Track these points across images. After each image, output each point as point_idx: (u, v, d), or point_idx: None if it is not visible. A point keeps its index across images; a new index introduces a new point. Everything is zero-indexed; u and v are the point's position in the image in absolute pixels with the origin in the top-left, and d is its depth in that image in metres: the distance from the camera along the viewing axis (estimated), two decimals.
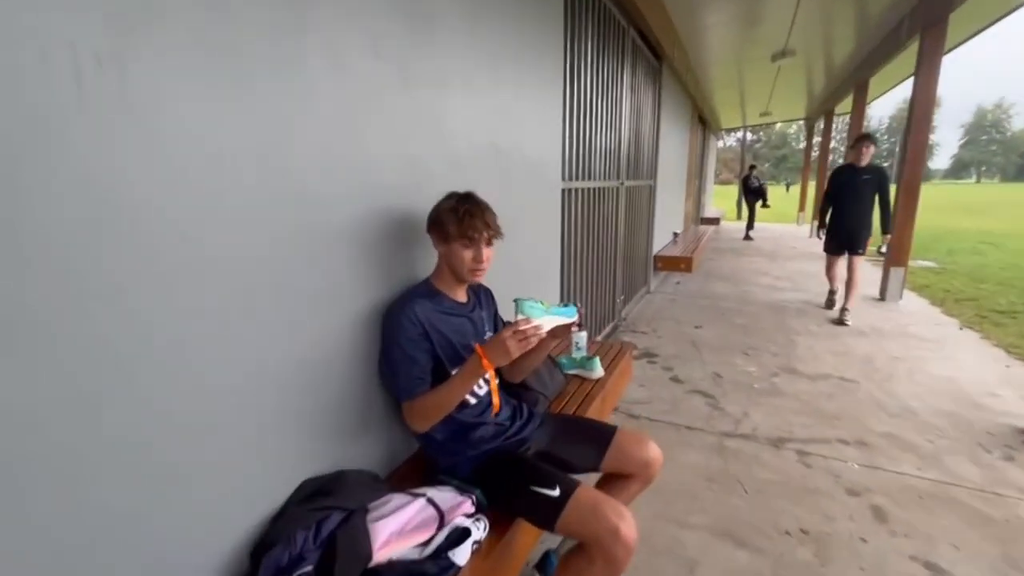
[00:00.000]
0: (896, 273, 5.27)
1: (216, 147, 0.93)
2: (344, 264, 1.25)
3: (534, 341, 1.19)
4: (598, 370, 2.19)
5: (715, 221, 11.77)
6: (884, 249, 5.02)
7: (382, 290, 1.39)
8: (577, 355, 2.32)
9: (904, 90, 9.32)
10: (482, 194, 1.64)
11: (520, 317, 1.22)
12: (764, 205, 10.99)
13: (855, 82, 7.83)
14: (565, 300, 2.95)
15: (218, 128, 0.93)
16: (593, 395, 2.05)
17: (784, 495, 2.08)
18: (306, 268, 1.15)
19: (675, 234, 7.36)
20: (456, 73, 1.66)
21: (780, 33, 5.68)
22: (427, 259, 1.47)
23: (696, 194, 11.18)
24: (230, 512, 1.04)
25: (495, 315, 1.57)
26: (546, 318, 1.26)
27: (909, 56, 5.81)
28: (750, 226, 10.83)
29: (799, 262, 7.83)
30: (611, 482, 1.49)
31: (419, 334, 1.27)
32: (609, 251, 3.94)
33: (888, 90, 9.39)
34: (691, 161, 9.43)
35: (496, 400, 1.29)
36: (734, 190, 22.43)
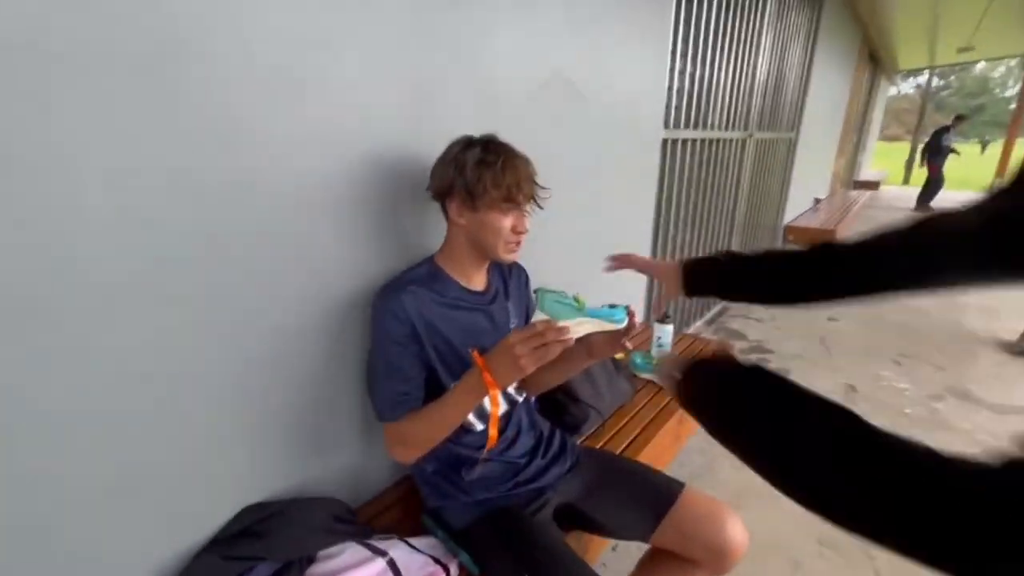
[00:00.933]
0: None
1: None
2: (306, 231, 0.93)
3: (556, 351, 0.78)
4: (666, 348, 1.69)
5: (874, 185, 9.78)
6: None
7: (372, 267, 1.06)
8: (656, 353, 1.83)
9: None
10: (538, 145, 1.20)
11: (541, 315, 0.83)
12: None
13: None
14: (621, 299, 2.41)
15: None
16: (668, 412, 1.58)
17: None
18: (246, 237, 0.84)
19: (816, 200, 6.12)
20: None
21: None
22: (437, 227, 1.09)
23: (852, 151, 9.28)
24: (134, 547, 0.81)
25: (528, 303, 1.16)
26: (580, 320, 0.83)
27: None
28: (931, 195, 8.57)
29: None
30: (661, 564, 1.06)
31: (406, 335, 0.92)
32: (723, 219, 3.23)
33: None
34: (851, 110, 7.72)
35: (494, 432, 0.91)
36: (903, 147, 18.45)
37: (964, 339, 3.24)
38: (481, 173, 0.89)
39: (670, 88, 2.16)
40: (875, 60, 9.15)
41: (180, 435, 0.83)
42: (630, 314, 0.89)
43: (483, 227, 0.93)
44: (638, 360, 1.84)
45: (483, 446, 1.02)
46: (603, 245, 1.92)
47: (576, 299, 0.85)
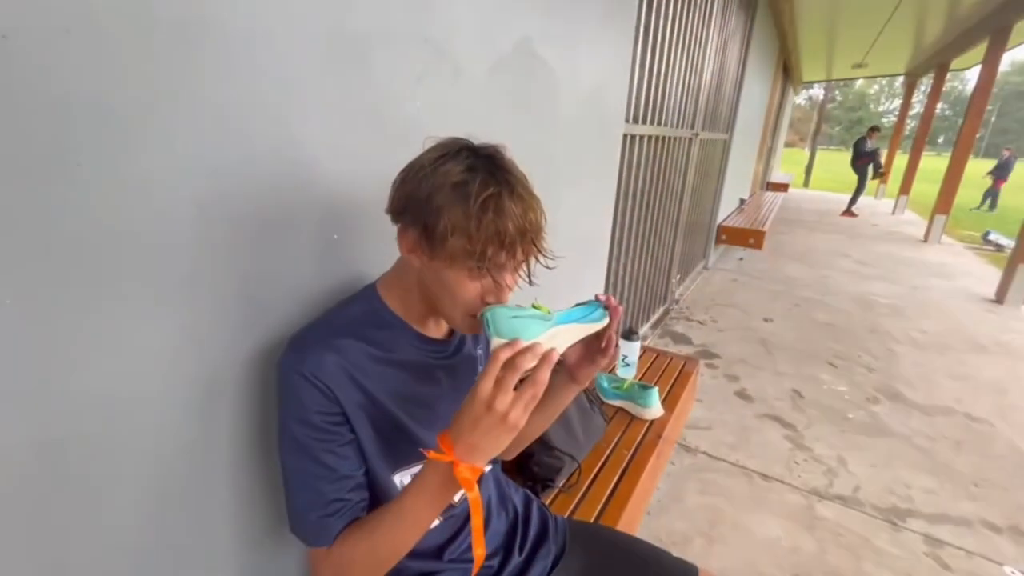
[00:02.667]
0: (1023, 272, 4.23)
1: None
2: (155, 242, 0.58)
3: (545, 377, 0.53)
4: (655, 407, 1.50)
5: (784, 187, 10.47)
6: (993, 236, 3.99)
7: (276, 306, 0.72)
8: (624, 374, 1.63)
9: (1012, 52, 7.59)
10: (502, 126, 0.93)
11: (500, 341, 0.55)
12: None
13: (993, 27, 6.32)
14: (583, 294, 2.22)
15: None
16: (646, 448, 1.38)
17: None
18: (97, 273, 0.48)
19: (742, 200, 6.36)
20: None
21: None
22: (384, 242, 0.77)
23: (767, 155, 9.88)
24: None
25: None
26: (553, 331, 0.59)
27: None
28: (853, 200, 9.15)
29: (885, 243, 6.70)
30: None
31: (334, 414, 0.61)
32: (670, 217, 3.13)
33: None
34: (768, 116, 8.17)
35: (480, 552, 0.61)
36: (799, 154, 20.24)
37: (883, 338, 3.41)
38: (449, 204, 0.56)
39: (631, 80, 1.96)
40: (787, 71, 9.78)
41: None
42: (608, 307, 0.68)
43: (439, 283, 0.62)
44: (605, 384, 1.63)
45: (442, 548, 0.73)
46: (566, 241, 1.70)
47: (535, 306, 0.61)
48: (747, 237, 4.77)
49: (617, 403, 1.55)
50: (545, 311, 0.61)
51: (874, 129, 8.88)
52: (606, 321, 0.67)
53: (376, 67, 0.79)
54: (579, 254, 1.84)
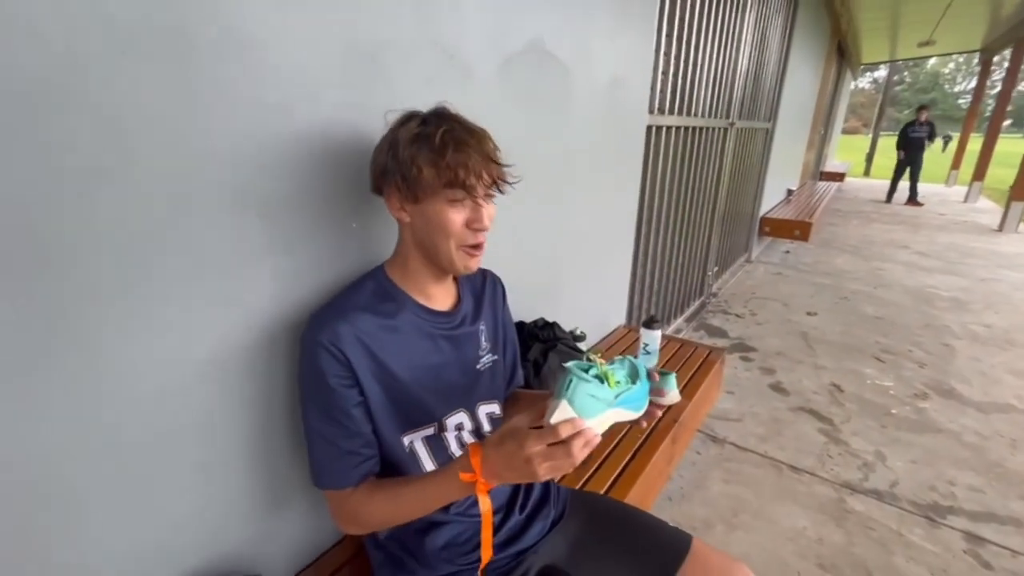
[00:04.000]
0: None
1: None
2: (201, 238, 0.69)
3: (581, 459, 0.56)
4: (673, 393, 1.52)
5: (839, 177, 9.94)
6: None
7: (302, 284, 0.83)
8: (646, 362, 1.66)
9: None
10: (514, 124, 0.99)
11: (567, 412, 0.56)
12: (906, 160, 8.45)
13: None
14: (601, 305, 2.19)
15: None
16: (662, 431, 1.41)
17: None
18: (110, 245, 0.60)
19: (789, 191, 6.11)
20: None
21: None
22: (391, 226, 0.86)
23: (819, 143, 9.39)
24: None
25: (505, 325, 0.95)
26: (608, 414, 0.61)
27: None
28: (911, 188, 8.48)
29: (951, 233, 6.25)
30: None
31: (348, 377, 0.70)
32: (705, 209, 3.09)
33: None
34: (820, 102, 7.76)
35: (487, 553, 0.71)
36: (862, 141, 18.96)
37: (939, 333, 3.22)
38: (416, 151, 0.68)
39: (655, 71, 1.97)
40: (842, 53, 9.25)
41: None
42: (654, 380, 0.71)
43: (428, 224, 0.72)
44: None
45: (448, 504, 0.82)
46: (587, 237, 1.75)
47: (605, 376, 0.60)
48: (792, 229, 4.60)
49: None
50: (612, 384, 0.60)
51: (923, 108, 8.28)
52: (643, 411, 0.68)
53: (387, 72, 0.88)
54: (600, 246, 1.87)
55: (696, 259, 3.21)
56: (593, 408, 0.57)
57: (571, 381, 0.57)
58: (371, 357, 0.72)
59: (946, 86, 55.02)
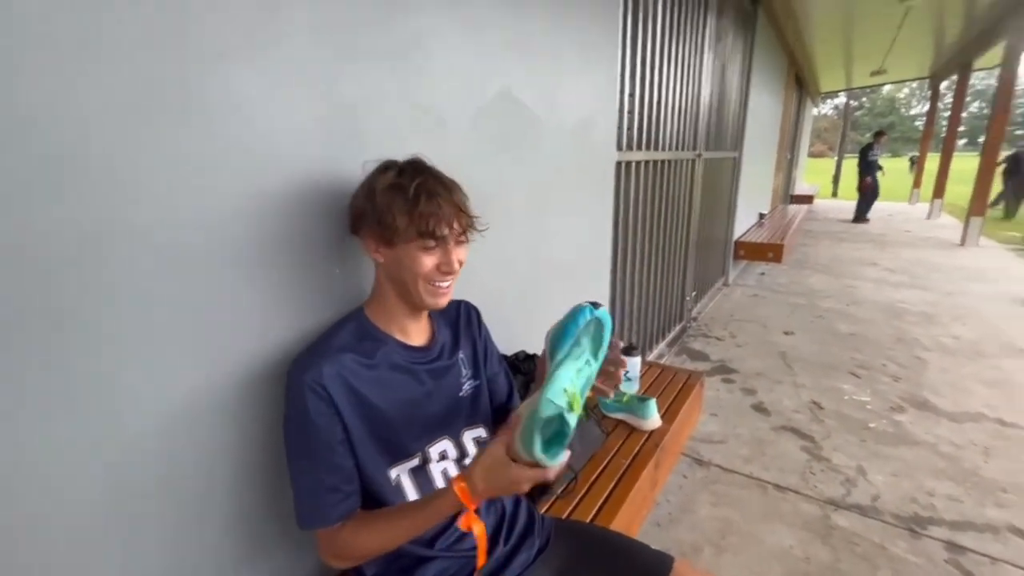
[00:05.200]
0: None
1: None
2: (182, 292, 0.73)
3: (551, 478, 0.64)
4: (653, 418, 1.57)
5: (808, 199, 10.33)
6: None
7: (286, 328, 0.86)
8: (626, 389, 1.71)
9: None
10: (488, 168, 1.06)
11: (539, 457, 0.60)
12: (863, 187, 8.91)
13: (1010, 26, 6.21)
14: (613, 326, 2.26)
15: None
16: (644, 456, 1.44)
17: None
18: (95, 306, 0.64)
19: (761, 215, 6.33)
20: None
21: None
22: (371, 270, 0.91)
23: (787, 168, 9.79)
24: None
25: (485, 354, 0.99)
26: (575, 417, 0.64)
27: None
28: (867, 206, 8.98)
29: (916, 249, 6.51)
30: None
31: (330, 418, 0.74)
32: (679, 237, 3.20)
33: None
34: (784, 129, 8.15)
35: (482, 560, 0.74)
36: (828, 164, 19.78)
37: (911, 346, 3.33)
38: (391, 200, 0.74)
39: (621, 110, 2.09)
40: (800, 83, 9.77)
41: None
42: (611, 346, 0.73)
43: (400, 266, 0.78)
44: (606, 400, 1.71)
45: (436, 539, 0.84)
46: (564, 270, 1.81)
47: (572, 407, 0.63)
48: (766, 251, 4.76)
49: (618, 416, 1.62)
50: (576, 407, 0.63)
51: (879, 134, 8.73)
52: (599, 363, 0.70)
53: (367, 126, 0.95)
54: (578, 278, 1.94)
55: (674, 285, 3.30)
56: (563, 445, 0.62)
57: (537, 440, 0.60)
58: (354, 394, 0.75)
59: (902, 110, 58.04)
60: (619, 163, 2.15)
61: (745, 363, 3.11)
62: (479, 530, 0.74)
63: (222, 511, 0.81)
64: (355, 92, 0.92)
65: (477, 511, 0.89)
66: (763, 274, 5.36)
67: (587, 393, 0.68)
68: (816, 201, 11.91)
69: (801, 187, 12.77)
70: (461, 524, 0.69)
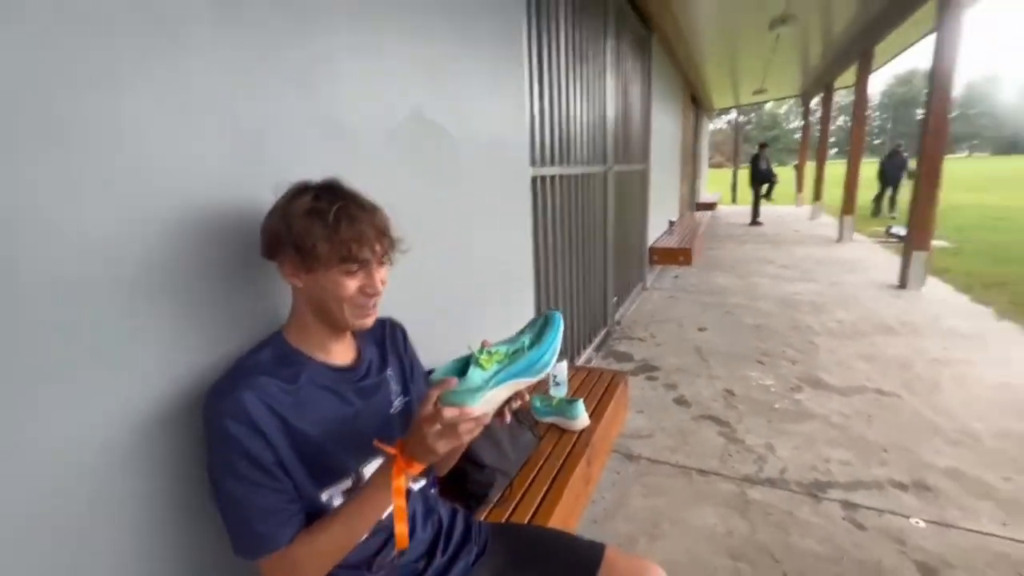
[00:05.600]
0: (918, 257, 4.74)
1: None
2: (85, 323, 0.68)
3: (469, 436, 0.65)
4: (582, 418, 1.64)
5: (712, 206, 11.24)
6: (895, 230, 4.52)
7: (198, 358, 0.82)
8: (555, 393, 1.77)
9: (893, 66, 8.70)
10: (404, 187, 1.07)
11: (439, 407, 0.63)
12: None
13: (859, 51, 7.24)
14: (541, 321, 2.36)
15: None
16: (576, 456, 1.50)
17: None
18: None
19: (671, 222, 6.81)
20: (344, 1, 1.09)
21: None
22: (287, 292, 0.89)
23: (691, 178, 10.62)
24: None
25: (412, 370, 0.99)
26: (495, 392, 0.67)
27: (917, 20, 5.28)
28: (755, 212, 10.06)
29: (804, 247, 7.30)
30: None
31: (257, 443, 0.71)
32: (598, 247, 3.38)
33: (892, 58, 8.79)
34: (685, 143, 8.87)
35: (402, 528, 0.72)
36: (726, 173, 21.76)
37: (804, 332, 3.72)
38: (310, 226, 0.72)
39: (532, 128, 2.20)
40: (696, 101, 10.70)
41: None
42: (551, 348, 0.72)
43: (323, 291, 0.76)
44: (537, 404, 1.77)
45: (377, 553, 0.83)
46: (486, 284, 1.86)
47: (480, 361, 0.67)
48: (677, 255, 5.13)
49: (549, 420, 1.67)
50: (487, 365, 0.67)
51: (763, 145, 9.88)
52: (548, 371, 0.70)
53: (275, 147, 0.94)
54: (501, 292, 1.99)
55: (596, 292, 3.46)
56: (467, 398, 0.64)
57: (435, 379, 0.66)
58: (277, 418, 0.73)
59: (783, 124, 65.30)
60: (534, 178, 2.25)
61: (666, 360, 3.32)
62: (400, 503, 0.69)
63: (139, 555, 0.75)
64: (260, 114, 0.91)
65: (412, 517, 0.89)
66: (677, 277, 5.76)
67: (519, 379, 0.68)
68: (719, 207, 13.00)
69: (705, 195, 13.88)
70: (392, 480, 0.67)
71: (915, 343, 3.43)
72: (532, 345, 0.70)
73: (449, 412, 0.62)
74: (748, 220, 10.09)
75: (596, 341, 3.53)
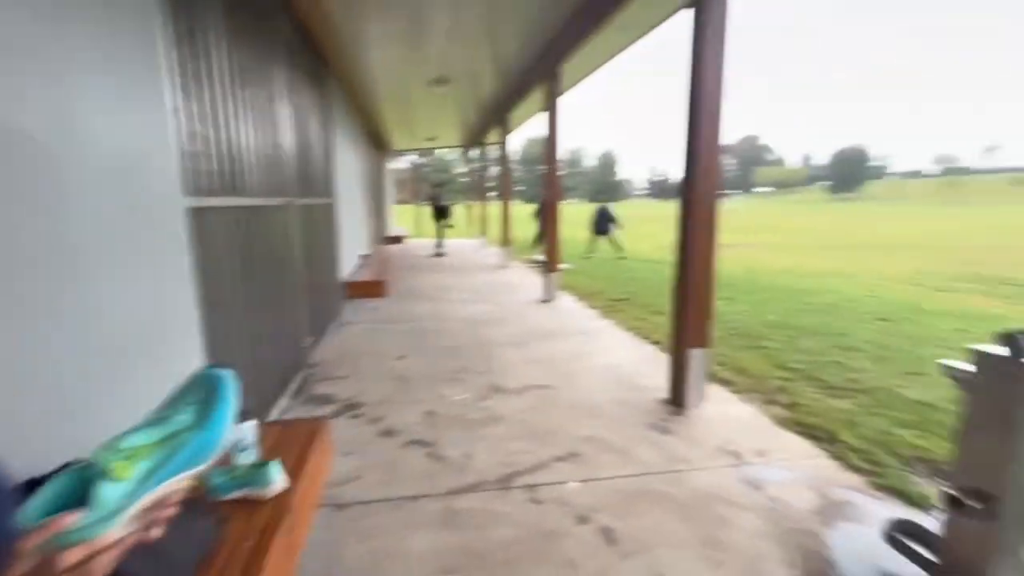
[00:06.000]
0: (552, 278, 6.21)
1: None
2: None
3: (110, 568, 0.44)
4: (276, 482, 1.44)
5: (400, 240, 11.94)
6: (539, 257, 5.85)
7: None
8: (242, 460, 1.51)
9: (527, 130, 11.45)
10: None
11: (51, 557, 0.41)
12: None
13: (500, 116, 9.09)
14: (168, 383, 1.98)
15: None
16: (271, 527, 1.30)
17: (530, 556, 1.82)
18: None
19: (362, 256, 6.89)
20: None
21: (436, 60, 5.91)
22: None
23: (379, 213, 11.06)
24: None
25: None
26: (143, 503, 0.47)
27: (536, 99, 7.02)
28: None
29: (480, 274, 8.56)
30: None
31: None
32: (287, 285, 3.10)
33: (521, 125, 11.37)
34: (372, 179, 9.18)
35: None
36: (412, 209, 23.75)
37: (485, 346, 4.33)
38: None
39: (183, 151, 1.85)
40: (379, 140, 11.27)
41: None
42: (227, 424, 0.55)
43: None
44: (217, 481, 1.47)
45: None
46: (123, 347, 1.44)
47: (112, 471, 0.46)
48: (372, 288, 5.22)
49: (235, 495, 1.40)
50: (119, 476, 0.46)
51: (437, 185, 11.57)
52: (215, 455, 0.52)
53: None
54: (150, 353, 1.59)
55: (287, 335, 3.16)
56: (99, 529, 0.44)
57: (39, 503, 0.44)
58: None
59: (453, 168, 76.13)
60: (193, 209, 1.89)
61: (369, 394, 3.29)
62: None
63: None
64: None
65: None
66: (375, 309, 5.84)
67: (184, 472, 0.50)
68: (407, 241, 13.95)
69: (394, 229, 14.67)
70: None
71: (559, 344, 4.44)
72: (197, 423, 0.53)
73: (73, 555, 0.43)
74: (433, 251, 11.19)
75: (293, 387, 3.21)
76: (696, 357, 3.00)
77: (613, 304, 6.10)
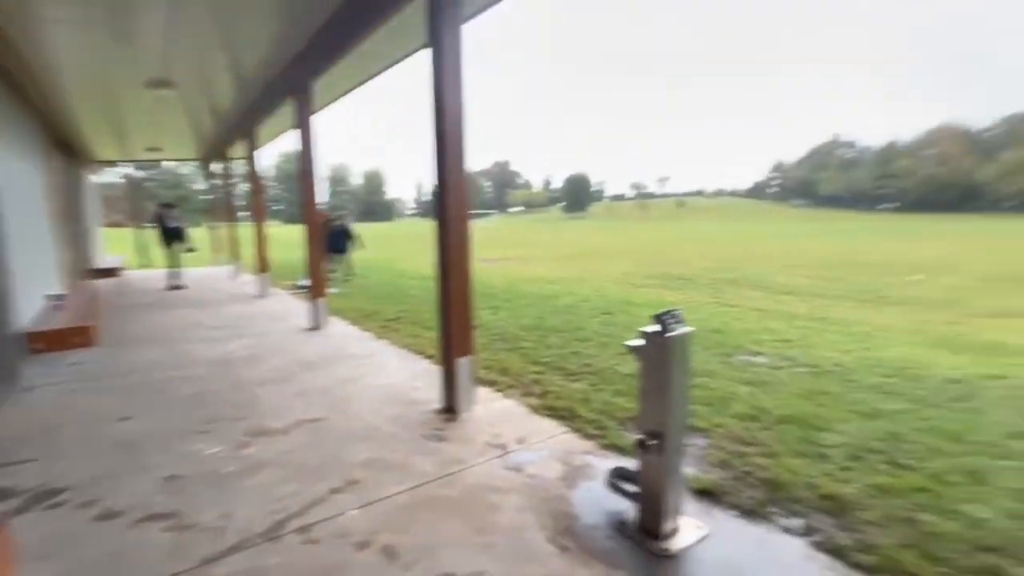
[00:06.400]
0: (320, 303, 5.87)
1: None
2: None
3: None
4: None
5: (117, 272, 9.56)
6: (302, 282, 5.48)
7: None
8: None
9: (280, 144, 10.60)
10: None
11: None
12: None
13: (245, 129, 8.16)
14: None
15: None
16: None
17: None
18: None
19: (54, 297, 5.29)
20: None
21: (154, 59, 5.02)
22: None
23: (78, 241, 8.63)
24: None
25: None
26: None
27: (286, 114, 6.59)
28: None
29: (230, 305, 7.47)
30: None
31: None
32: None
33: (272, 140, 10.42)
34: (61, 198, 7.12)
35: None
36: (131, 233, 19.07)
37: (245, 387, 3.83)
38: None
39: None
40: (70, 149, 8.82)
41: None
42: None
43: None
44: None
45: None
46: None
47: None
48: (71, 338, 4.07)
49: None
50: None
51: (167, 206, 9.49)
52: None
53: None
54: None
55: None
56: None
57: None
58: None
59: (188, 184, 64.09)
60: None
61: (76, 474, 2.57)
62: None
63: None
64: None
65: None
66: (78, 364, 4.54)
67: None
68: (127, 273, 11.21)
69: (106, 259, 11.63)
70: None
71: (331, 371, 4.23)
72: None
73: None
74: (168, 284, 9.23)
75: None
76: (464, 365, 3.27)
77: (388, 324, 6.11)
